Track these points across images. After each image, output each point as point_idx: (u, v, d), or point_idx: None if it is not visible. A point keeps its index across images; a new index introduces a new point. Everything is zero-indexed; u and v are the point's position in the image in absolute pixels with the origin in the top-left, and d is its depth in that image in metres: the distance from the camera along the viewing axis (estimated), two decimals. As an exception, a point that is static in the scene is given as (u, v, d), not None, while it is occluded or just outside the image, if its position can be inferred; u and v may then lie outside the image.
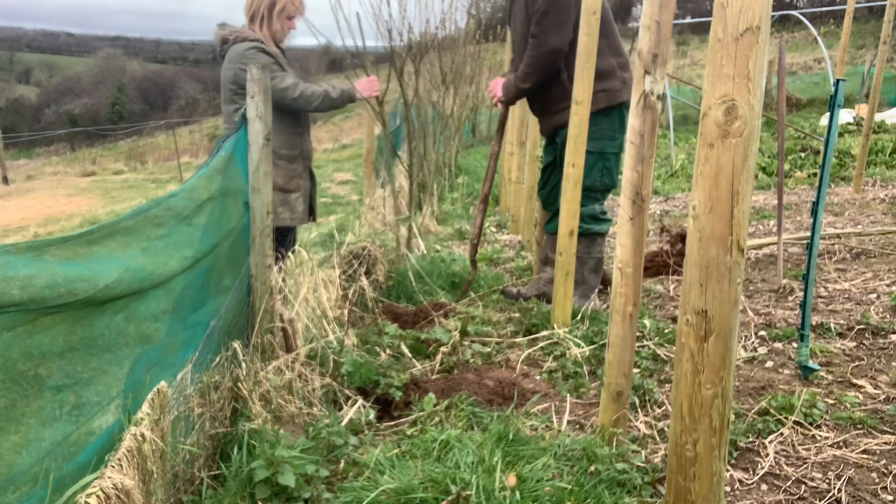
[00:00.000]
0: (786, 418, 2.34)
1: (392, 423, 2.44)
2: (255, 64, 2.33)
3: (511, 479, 1.83)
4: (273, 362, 2.39)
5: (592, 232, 3.58)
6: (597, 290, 3.72)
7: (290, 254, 3.14)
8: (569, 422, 2.44)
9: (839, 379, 2.69)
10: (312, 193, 3.50)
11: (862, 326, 3.15)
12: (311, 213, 3.52)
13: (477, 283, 4.00)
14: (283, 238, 3.34)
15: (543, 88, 3.57)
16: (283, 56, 3.33)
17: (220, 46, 3.22)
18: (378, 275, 3.83)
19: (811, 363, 2.70)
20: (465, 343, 3.10)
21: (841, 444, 2.22)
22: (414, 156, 5.33)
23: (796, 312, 3.40)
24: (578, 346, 3.01)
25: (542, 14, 3.38)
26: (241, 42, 3.16)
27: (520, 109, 5.62)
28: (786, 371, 2.80)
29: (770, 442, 2.24)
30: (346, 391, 2.53)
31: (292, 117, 3.27)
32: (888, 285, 3.70)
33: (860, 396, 2.53)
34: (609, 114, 3.45)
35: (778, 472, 2.09)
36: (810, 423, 2.33)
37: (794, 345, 3.00)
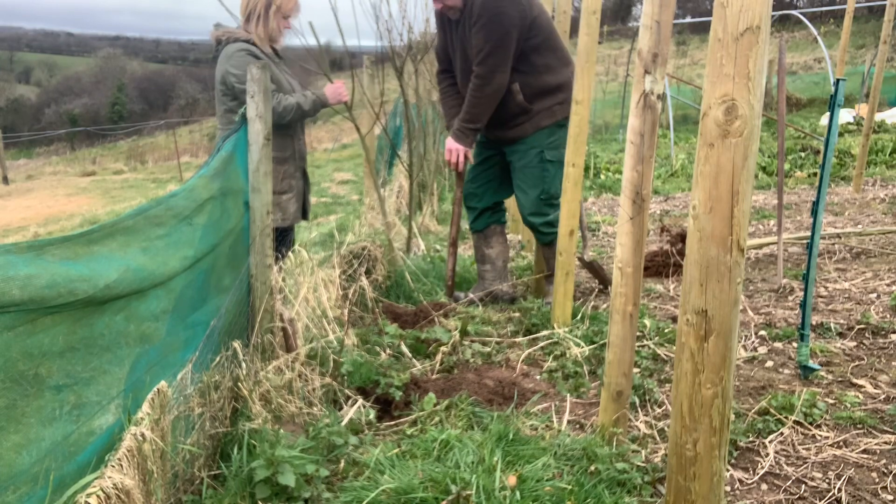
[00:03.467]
0: (786, 418, 2.35)
1: (392, 422, 2.44)
2: (256, 64, 2.33)
3: (511, 479, 1.83)
4: (273, 362, 2.39)
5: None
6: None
7: (290, 253, 3.14)
8: (569, 421, 2.44)
9: (839, 379, 2.69)
10: (306, 194, 3.48)
11: (862, 326, 3.15)
12: (304, 214, 3.50)
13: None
14: (283, 238, 3.33)
15: (498, 107, 3.50)
16: (276, 56, 3.31)
17: (215, 47, 3.22)
18: (378, 275, 3.83)
19: (811, 363, 2.70)
20: (465, 343, 3.10)
21: (841, 443, 2.22)
22: (414, 155, 5.34)
23: (796, 312, 3.40)
24: (578, 345, 3.01)
25: (487, 55, 3.33)
26: (232, 43, 3.14)
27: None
28: (786, 371, 2.80)
29: (770, 442, 2.24)
30: (346, 391, 2.53)
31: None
32: (888, 285, 3.70)
33: (860, 396, 2.53)
34: (566, 124, 3.33)
35: (778, 471, 2.09)
36: (810, 423, 2.33)
37: (794, 344, 3.00)
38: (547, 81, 3.46)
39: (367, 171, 6.87)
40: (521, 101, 3.46)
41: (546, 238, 3.63)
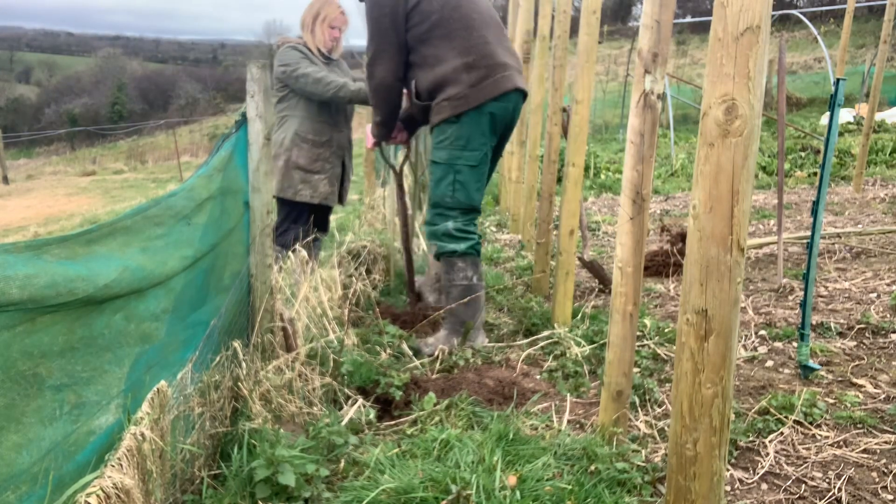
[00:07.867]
0: (786, 418, 2.34)
1: (392, 422, 2.44)
2: (255, 63, 2.33)
3: (511, 479, 1.83)
4: (273, 362, 2.39)
5: (447, 251, 3.11)
6: (477, 321, 3.15)
7: (325, 236, 3.78)
8: (569, 421, 2.44)
9: (839, 378, 2.69)
10: (343, 180, 3.96)
11: (862, 326, 3.15)
12: (340, 198, 4.00)
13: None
14: (318, 219, 3.88)
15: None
16: (329, 60, 3.82)
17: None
18: (378, 274, 3.84)
19: (811, 362, 2.70)
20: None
21: (841, 443, 2.22)
22: (414, 155, 5.32)
23: (796, 312, 3.40)
24: (579, 345, 3.01)
25: (367, 45, 3.10)
26: (283, 46, 3.73)
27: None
28: (786, 370, 2.80)
29: (770, 441, 2.24)
30: (347, 391, 2.53)
31: (321, 106, 3.76)
32: (888, 284, 3.70)
33: (860, 396, 2.53)
34: (458, 121, 3.03)
35: (778, 471, 2.08)
36: (810, 423, 2.33)
37: (795, 344, 3.00)
38: (437, 74, 3.06)
39: (367, 172, 6.87)
40: (416, 99, 3.14)
41: (437, 250, 3.18)
